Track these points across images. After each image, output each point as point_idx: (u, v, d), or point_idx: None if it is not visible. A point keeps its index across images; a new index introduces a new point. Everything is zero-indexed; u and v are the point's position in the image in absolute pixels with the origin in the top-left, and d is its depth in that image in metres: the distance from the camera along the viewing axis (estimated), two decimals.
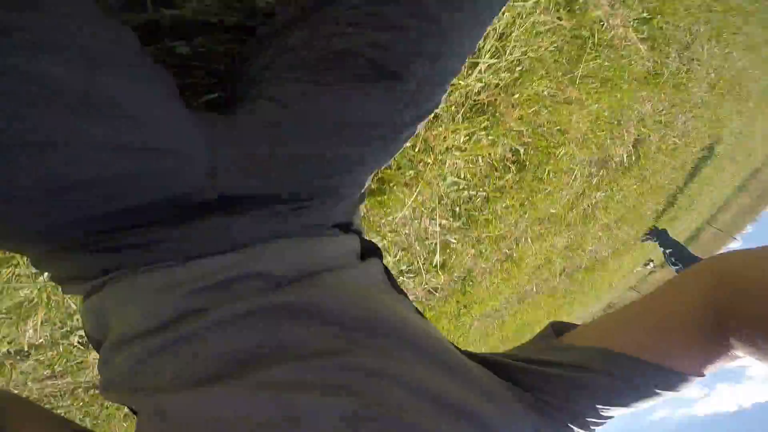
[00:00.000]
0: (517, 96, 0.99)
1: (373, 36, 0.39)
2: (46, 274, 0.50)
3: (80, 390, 0.90)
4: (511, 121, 1.04)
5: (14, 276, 0.67)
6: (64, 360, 0.83)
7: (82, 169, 0.31)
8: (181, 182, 0.35)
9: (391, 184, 0.91)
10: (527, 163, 1.29)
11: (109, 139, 0.31)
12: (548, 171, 1.38)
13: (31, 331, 0.76)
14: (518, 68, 0.95)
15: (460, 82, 0.86)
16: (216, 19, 0.50)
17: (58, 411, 0.90)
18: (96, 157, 0.31)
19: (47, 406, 0.88)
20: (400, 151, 0.52)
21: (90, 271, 0.37)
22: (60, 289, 0.43)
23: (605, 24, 1.16)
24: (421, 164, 0.92)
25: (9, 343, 0.74)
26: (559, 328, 0.38)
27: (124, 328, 0.35)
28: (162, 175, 0.34)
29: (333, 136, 0.41)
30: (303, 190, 0.41)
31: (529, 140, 1.24)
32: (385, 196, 0.91)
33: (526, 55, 0.94)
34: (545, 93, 1.07)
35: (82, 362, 0.84)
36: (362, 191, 0.49)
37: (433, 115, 0.86)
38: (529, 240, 1.74)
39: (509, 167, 1.27)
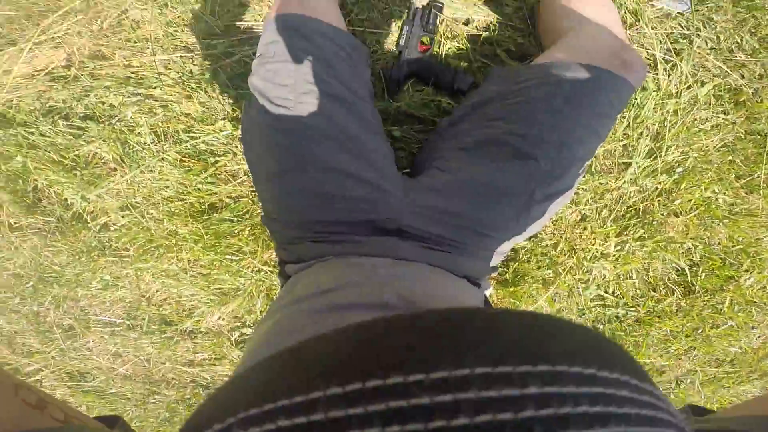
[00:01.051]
0: (679, 202, 0.88)
1: (512, 127, 0.54)
2: (274, 257, 0.87)
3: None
4: (673, 232, 0.91)
5: (246, 266, 0.89)
6: (212, 350, 0.99)
7: (338, 188, 0.53)
8: (382, 211, 0.54)
9: (526, 278, 0.87)
10: (697, 286, 1.06)
11: (358, 173, 0.53)
12: (729, 300, 1.10)
13: (216, 316, 0.95)
14: (678, 169, 0.86)
15: (611, 183, 0.82)
16: (418, 113, 0.77)
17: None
18: (347, 182, 0.53)
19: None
20: (537, 241, 0.69)
21: (309, 255, 0.54)
22: (278, 270, 0.62)
23: None
24: (561, 266, 0.84)
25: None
26: (696, 411, 0.38)
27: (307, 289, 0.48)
28: (374, 202, 0.54)
29: (477, 199, 0.54)
30: (449, 237, 0.54)
31: (700, 259, 1.04)
32: (518, 288, 0.87)
33: (687, 155, 0.86)
34: (718, 201, 0.92)
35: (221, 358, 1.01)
36: (493, 264, 0.60)
37: (580, 216, 0.81)
38: (696, 383, 1.31)
39: (672, 289, 1.06)
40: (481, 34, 0.78)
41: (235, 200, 0.87)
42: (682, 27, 0.95)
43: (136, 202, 0.90)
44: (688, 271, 1.03)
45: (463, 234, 0.54)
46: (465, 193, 0.54)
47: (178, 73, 0.84)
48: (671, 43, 0.93)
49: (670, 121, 0.86)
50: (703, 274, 1.05)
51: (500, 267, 0.87)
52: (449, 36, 0.78)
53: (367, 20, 0.79)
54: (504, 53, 0.76)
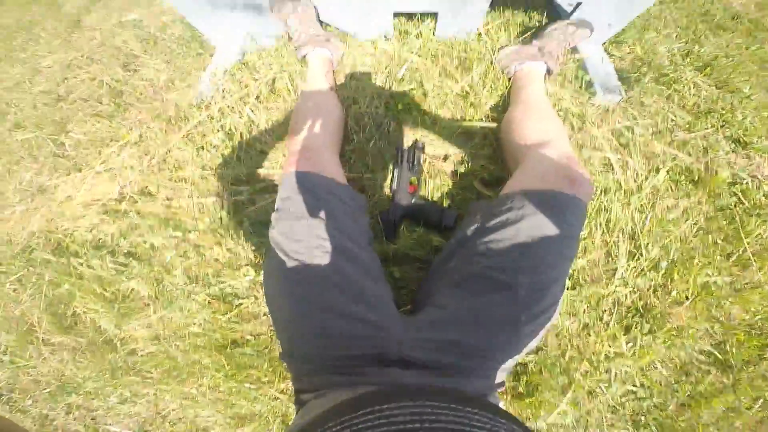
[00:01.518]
0: (675, 294, 0.90)
1: (490, 262, 0.64)
2: (290, 387, 0.90)
3: None
4: (681, 321, 0.91)
5: (263, 394, 0.93)
6: None
7: (344, 329, 0.60)
8: (383, 346, 0.60)
9: (540, 387, 0.87)
10: (732, 361, 1.01)
11: (361, 315, 0.62)
12: None
13: None
14: (663, 264, 0.91)
15: (602, 290, 0.87)
16: (414, 253, 0.86)
17: None
18: (352, 324, 0.61)
19: None
20: (543, 353, 0.75)
21: (322, 385, 0.59)
22: (294, 398, 0.67)
23: (747, 180, 1.06)
24: (575, 371, 0.84)
25: None
26: None
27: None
28: (374, 338, 0.61)
29: (470, 329, 0.61)
30: (450, 363, 0.59)
31: (724, 337, 1.01)
32: (534, 398, 0.87)
33: (667, 248, 0.91)
34: (717, 283, 0.94)
35: None
36: (499, 380, 0.64)
37: (581, 325, 0.85)
38: None
39: (707, 369, 1.02)
40: (457, 169, 0.92)
41: (256, 337, 0.94)
42: (621, 120, 1.08)
43: (165, 334, 0.97)
44: (716, 352, 1.01)
45: (463, 358, 0.59)
46: (458, 325, 0.61)
47: (210, 218, 0.99)
48: (617, 138, 1.04)
49: (641, 219, 0.93)
50: (733, 349, 1.02)
51: (510, 382, 0.89)
52: (432, 174, 0.93)
53: (364, 165, 0.95)
54: (479, 183, 0.89)
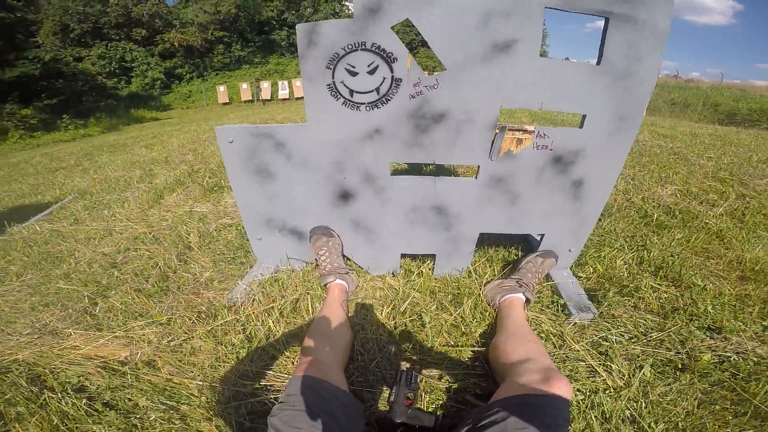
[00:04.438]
0: None
1: None
2: None
3: None
4: None
5: None
6: None
7: None
8: None
9: None
10: None
11: None
12: None
13: None
14: None
15: None
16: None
17: None
18: None
19: None
20: None
21: None
22: None
23: (733, 357, 1.09)
24: None
25: None
26: None
27: None
28: None
29: None
30: None
31: None
32: None
33: (675, 423, 0.91)
34: None
35: None
36: None
37: None
38: None
39: None
40: (451, 386, 1.04)
41: None
42: (597, 333, 1.20)
43: None
44: None
45: None
46: None
47: (206, 398, 1.01)
48: (596, 349, 1.15)
49: (637, 407, 0.96)
50: None
51: None
52: (428, 390, 1.03)
53: (366, 381, 1.06)
54: (472, 396, 0.99)
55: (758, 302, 1.35)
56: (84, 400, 1.00)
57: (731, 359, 1.11)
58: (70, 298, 1.52)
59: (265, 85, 16.29)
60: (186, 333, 1.26)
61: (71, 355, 1.18)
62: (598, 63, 1.06)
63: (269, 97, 16.15)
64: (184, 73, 19.82)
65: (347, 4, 23.25)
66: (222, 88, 16.77)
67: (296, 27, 1.05)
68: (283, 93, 16.08)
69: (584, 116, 1.15)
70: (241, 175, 1.33)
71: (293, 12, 21.46)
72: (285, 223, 1.45)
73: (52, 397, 1.01)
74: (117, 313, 1.39)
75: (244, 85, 16.44)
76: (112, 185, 3.09)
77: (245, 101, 16.42)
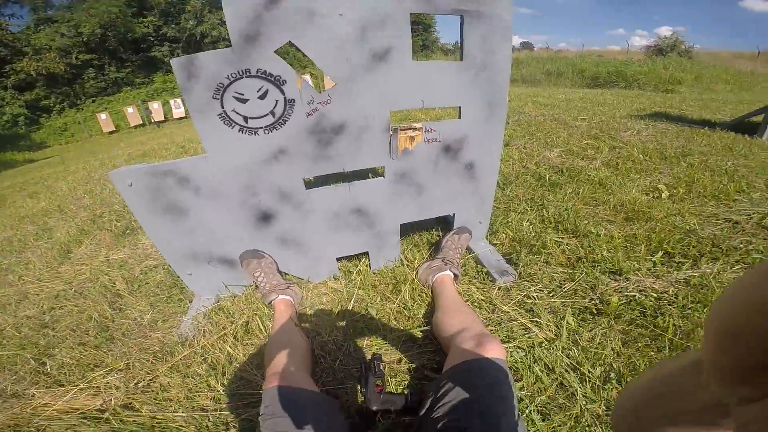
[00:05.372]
0: None
1: (446, 419, 0.78)
2: None
3: None
4: None
5: None
6: None
7: None
8: None
9: None
10: None
11: None
12: None
13: None
14: (613, 375, 1.03)
15: (572, 410, 0.97)
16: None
17: None
18: None
19: None
20: None
21: None
22: None
23: (636, 295, 1.20)
24: None
25: None
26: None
27: None
28: None
29: None
30: None
31: None
32: None
33: (609, 363, 1.04)
34: None
35: None
36: None
37: None
38: None
39: None
40: (411, 366, 1.15)
41: None
42: (521, 292, 1.36)
43: None
44: None
45: None
46: None
47: (195, 427, 1.02)
48: (522, 307, 1.31)
49: (573, 354, 1.10)
50: None
51: None
52: (393, 374, 1.12)
53: (335, 380, 1.12)
54: (429, 371, 1.10)
55: (643, 240, 1.61)
56: None
57: (636, 298, 1.28)
58: (13, 363, 1.38)
59: (155, 105, 14.82)
60: (149, 373, 1.22)
61: (46, 412, 1.11)
62: (461, 59, 1.21)
63: (163, 119, 14.78)
64: (52, 105, 17.27)
65: None
66: (104, 116, 14.85)
67: (171, 62, 1.03)
68: (177, 111, 14.77)
69: (460, 108, 1.31)
70: (150, 216, 1.27)
71: (173, 26, 19.69)
72: (211, 254, 1.43)
73: None
74: (71, 367, 1.30)
75: (130, 109, 14.80)
76: (5, 248, 2.63)
77: (135, 126, 14.82)
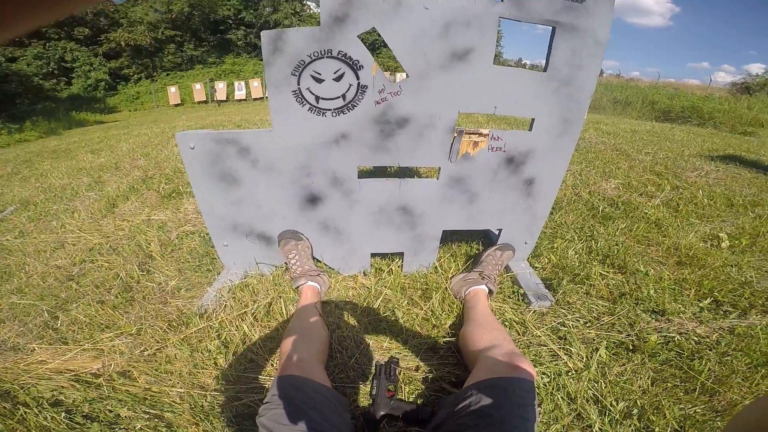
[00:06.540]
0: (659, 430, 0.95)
1: None
2: None
3: None
4: None
5: None
6: None
7: None
8: None
9: None
10: None
11: None
12: None
13: None
14: (635, 411, 0.97)
15: None
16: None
17: None
18: None
19: None
20: None
21: None
22: None
23: (676, 337, 1.12)
24: None
25: None
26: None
27: None
28: None
29: None
30: None
31: None
32: None
33: (632, 399, 1.00)
34: (697, 411, 1.00)
35: None
36: None
37: None
38: None
39: None
40: (428, 376, 1.10)
41: None
42: (555, 319, 1.30)
43: None
44: None
45: None
46: None
47: (190, 405, 1.01)
48: (555, 334, 1.24)
49: (598, 387, 1.04)
50: None
51: None
52: (407, 382, 1.08)
53: (346, 377, 1.10)
54: (448, 384, 1.06)
55: (693, 285, 1.50)
56: (63, 414, 0.97)
57: (675, 339, 1.22)
58: (26, 313, 1.43)
59: (221, 85, 15.70)
60: (158, 342, 1.23)
61: (39, 370, 1.12)
62: (545, 70, 1.16)
63: (225, 98, 15.58)
64: (132, 74, 18.68)
65: (309, 3, 22.86)
66: (173, 89, 15.98)
67: (261, 34, 1.06)
68: (239, 94, 15.55)
69: (533, 119, 1.25)
70: (203, 181, 1.31)
71: (251, 11, 20.76)
72: (252, 228, 1.45)
73: (29, 412, 0.96)
74: (81, 326, 1.33)
75: (198, 86, 15.77)
76: (57, 194, 2.84)
77: (198, 102, 15.74)
